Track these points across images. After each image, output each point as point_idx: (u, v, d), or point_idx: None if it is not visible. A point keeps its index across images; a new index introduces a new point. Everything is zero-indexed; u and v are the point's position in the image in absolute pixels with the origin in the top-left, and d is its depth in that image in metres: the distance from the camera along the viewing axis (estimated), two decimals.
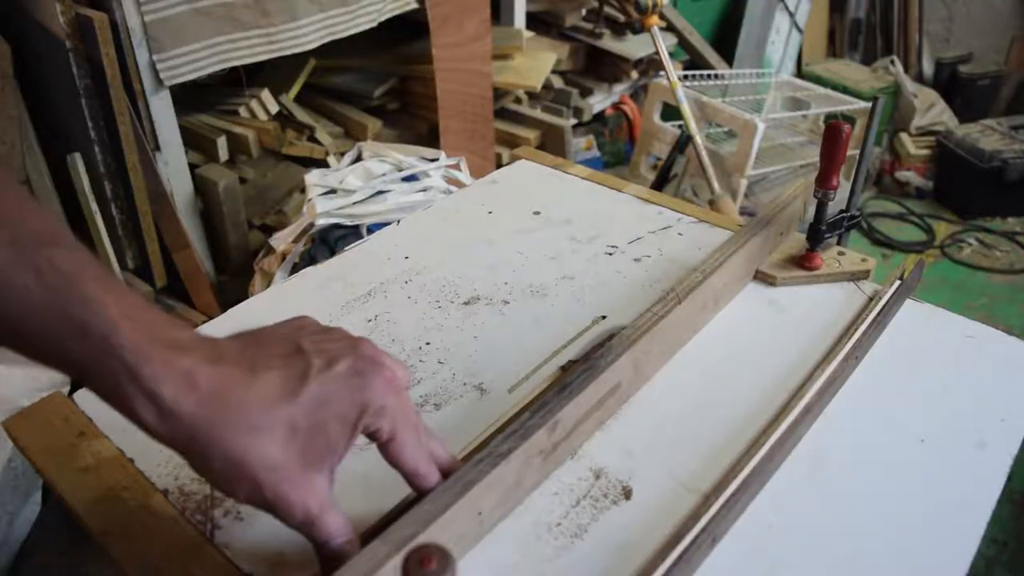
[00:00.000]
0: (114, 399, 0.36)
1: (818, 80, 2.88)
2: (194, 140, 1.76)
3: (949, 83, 3.26)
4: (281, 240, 1.42)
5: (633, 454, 0.54)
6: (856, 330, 0.64)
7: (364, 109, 2.06)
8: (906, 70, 3.23)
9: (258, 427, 0.37)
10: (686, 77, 2.40)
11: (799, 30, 3.22)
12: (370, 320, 0.68)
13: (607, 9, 2.59)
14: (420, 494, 0.44)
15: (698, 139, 2.09)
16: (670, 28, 2.81)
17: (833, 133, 0.66)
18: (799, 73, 3.22)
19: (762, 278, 0.72)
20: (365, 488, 0.50)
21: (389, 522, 0.42)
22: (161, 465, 0.53)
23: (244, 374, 0.38)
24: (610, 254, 0.77)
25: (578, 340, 0.65)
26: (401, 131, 2.10)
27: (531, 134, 2.33)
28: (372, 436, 0.41)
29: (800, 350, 0.64)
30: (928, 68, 3.37)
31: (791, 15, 3.15)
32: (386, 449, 0.42)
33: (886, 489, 0.52)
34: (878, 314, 0.66)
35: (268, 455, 0.37)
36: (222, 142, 1.76)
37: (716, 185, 2.10)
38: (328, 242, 1.32)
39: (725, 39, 3.19)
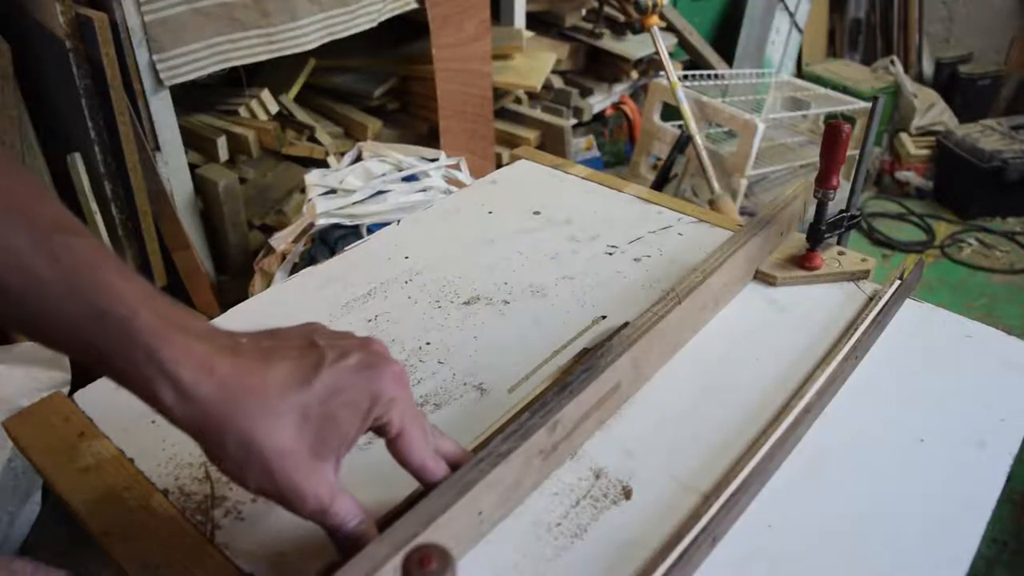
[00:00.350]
0: (133, 382, 0.36)
1: (818, 80, 2.88)
2: (194, 140, 1.76)
3: (949, 83, 3.26)
4: (281, 240, 1.42)
5: (633, 454, 0.54)
6: (856, 330, 0.64)
7: (364, 109, 2.06)
8: (906, 70, 3.23)
9: (272, 413, 0.37)
10: (686, 77, 2.40)
11: (799, 30, 3.22)
12: (370, 320, 0.68)
13: (607, 9, 2.59)
14: (428, 488, 0.44)
15: (698, 139, 2.09)
16: (670, 28, 2.81)
17: (833, 133, 0.66)
18: (799, 73, 3.22)
19: (762, 278, 0.72)
20: (366, 487, 0.50)
21: (389, 522, 0.42)
22: (161, 465, 0.53)
23: (260, 362, 0.38)
24: (610, 254, 0.77)
25: (578, 340, 0.65)
26: (401, 131, 2.10)
27: (531, 134, 2.33)
28: (381, 430, 0.42)
29: (800, 350, 0.64)
30: (928, 68, 3.37)
31: (791, 15, 3.15)
32: (395, 444, 0.43)
33: (886, 489, 0.52)
34: (878, 314, 0.66)
35: (281, 441, 0.38)
36: (222, 142, 1.76)
37: (716, 185, 2.10)
38: (328, 242, 1.32)
39: (725, 39, 3.19)
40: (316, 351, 0.40)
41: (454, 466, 0.45)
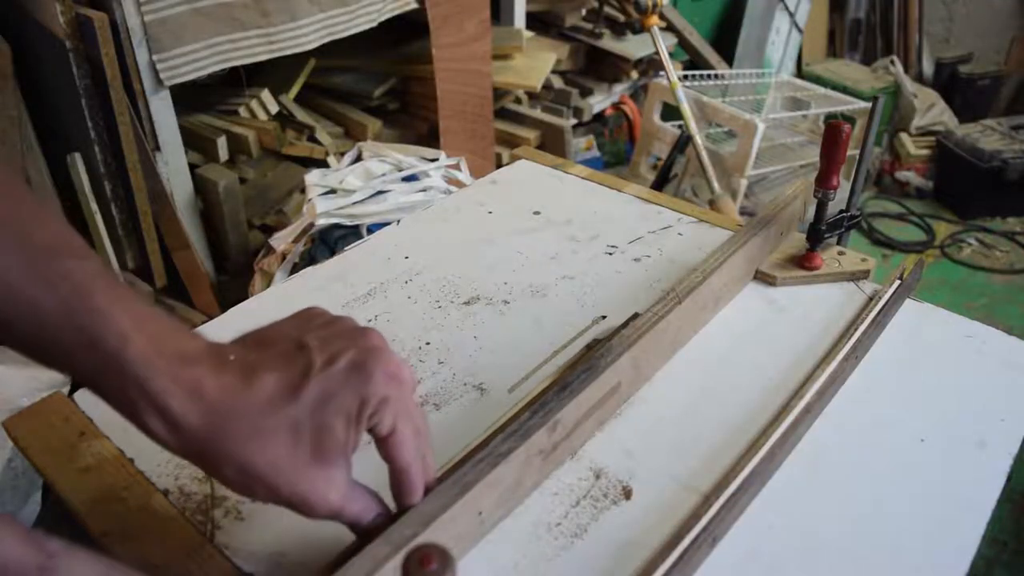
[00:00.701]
0: (124, 410, 0.36)
1: (818, 80, 2.88)
2: (194, 140, 1.76)
3: (949, 83, 3.26)
4: (281, 240, 1.42)
5: (633, 454, 0.54)
6: (856, 330, 0.64)
7: (364, 109, 2.06)
8: (906, 70, 3.23)
9: (263, 432, 0.37)
10: (686, 77, 2.40)
11: (799, 30, 3.22)
12: (370, 320, 0.68)
13: (607, 9, 2.59)
14: (399, 503, 0.43)
15: (698, 139, 2.09)
16: (670, 28, 2.81)
17: (833, 133, 0.66)
18: (799, 73, 3.22)
19: (762, 278, 0.72)
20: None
21: (389, 522, 0.42)
22: (161, 465, 0.53)
23: (246, 379, 0.38)
24: (610, 254, 0.77)
25: (578, 340, 0.65)
26: (401, 131, 2.10)
27: (531, 134, 2.33)
28: (372, 431, 0.41)
29: (800, 350, 0.64)
30: (928, 68, 3.37)
31: (791, 15, 3.15)
32: (383, 445, 0.41)
33: (886, 489, 0.52)
34: (878, 314, 0.66)
35: (277, 458, 0.37)
36: (222, 142, 1.76)
37: (716, 185, 2.10)
38: (328, 242, 1.32)
39: (725, 39, 3.19)
40: (304, 356, 0.39)
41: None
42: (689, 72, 2.48)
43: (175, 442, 0.36)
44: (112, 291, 0.36)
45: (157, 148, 1.56)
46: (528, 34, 2.33)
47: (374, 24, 1.79)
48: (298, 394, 0.38)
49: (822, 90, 2.51)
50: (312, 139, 1.90)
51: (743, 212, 2.23)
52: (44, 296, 0.35)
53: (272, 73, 1.96)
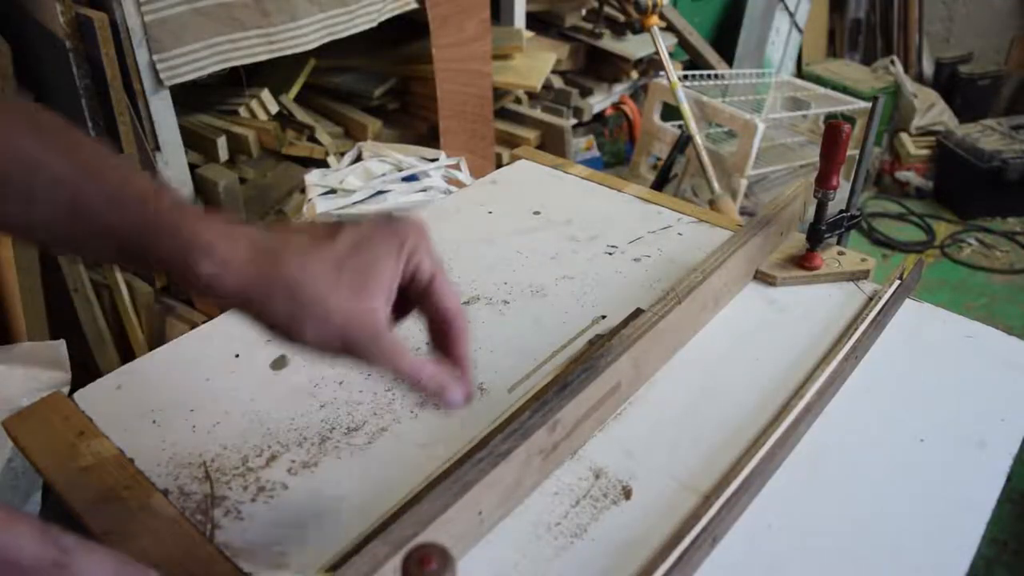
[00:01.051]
0: (174, 264, 0.38)
1: (818, 80, 2.88)
2: (194, 140, 1.76)
3: (949, 83, 3.26)
4: None
5: (633, 454, 0.54)
6: (856, 330, 0.64)
7: (364, 109, 2.06)
8: (906, 70, 3.23)
9: (309, 263, 0.39)
10: (686, 77, 2.40)
11: (799, 30, 3.22)
12: None
13: (607, 9, 2.59)
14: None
15: (698, 139, 2.09)
16: (670, 28, 2.81)
17: (833, 133, 0.66)
18: (799, 73, 3.22)
19: (762, 278, 0.72)
20: (364, 488, 0.50)
21: (389, 522, 0.42)
22: (161, 465, 0.53)
23: (281, 232, 0.41)
24: (610, 254, 0.77)
25: (578, 339, 0.65)
26: (401, 131, 2.10)
27: (531, 134, 2.33)
28: (415, 278, 0.42)
29: (800, 350, 0.64)
30: (928, 68, 3.37)
31: (791, 15, 3.15)
32: (430, 288, 0.43)
33: (886, 489, 0.52)
34: (878, 314, 0.66)
35: (325, 283, 0.39)
36: (222, 142, 1.76)
37: (716, 185, 2.10)
38: None
39: (725, 39, 3.19)
40: (336, 225, 0.42)
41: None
42: (689, 72, 2.48)
43: (226, 277, 0.38)
44: (177, 206, 0.39)
45: (157, 148, 1.56)
46: (528, 34, 2.32)
47: (374, 24, 1.79)
48: (334, 238, 0.41)
49: (822, 90, 2.51)
50: (312, 139, 1.89)
51: (743, 212, 2.23)
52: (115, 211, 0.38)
53: (272, 73, 1.96)
